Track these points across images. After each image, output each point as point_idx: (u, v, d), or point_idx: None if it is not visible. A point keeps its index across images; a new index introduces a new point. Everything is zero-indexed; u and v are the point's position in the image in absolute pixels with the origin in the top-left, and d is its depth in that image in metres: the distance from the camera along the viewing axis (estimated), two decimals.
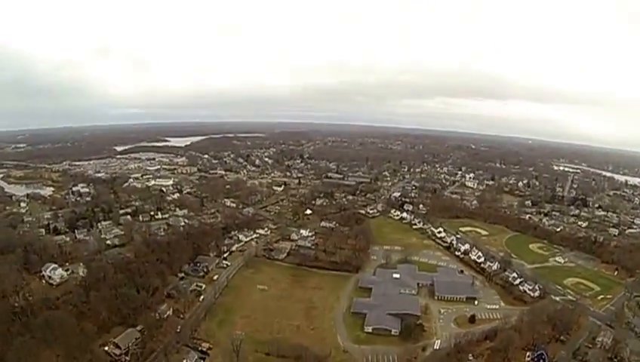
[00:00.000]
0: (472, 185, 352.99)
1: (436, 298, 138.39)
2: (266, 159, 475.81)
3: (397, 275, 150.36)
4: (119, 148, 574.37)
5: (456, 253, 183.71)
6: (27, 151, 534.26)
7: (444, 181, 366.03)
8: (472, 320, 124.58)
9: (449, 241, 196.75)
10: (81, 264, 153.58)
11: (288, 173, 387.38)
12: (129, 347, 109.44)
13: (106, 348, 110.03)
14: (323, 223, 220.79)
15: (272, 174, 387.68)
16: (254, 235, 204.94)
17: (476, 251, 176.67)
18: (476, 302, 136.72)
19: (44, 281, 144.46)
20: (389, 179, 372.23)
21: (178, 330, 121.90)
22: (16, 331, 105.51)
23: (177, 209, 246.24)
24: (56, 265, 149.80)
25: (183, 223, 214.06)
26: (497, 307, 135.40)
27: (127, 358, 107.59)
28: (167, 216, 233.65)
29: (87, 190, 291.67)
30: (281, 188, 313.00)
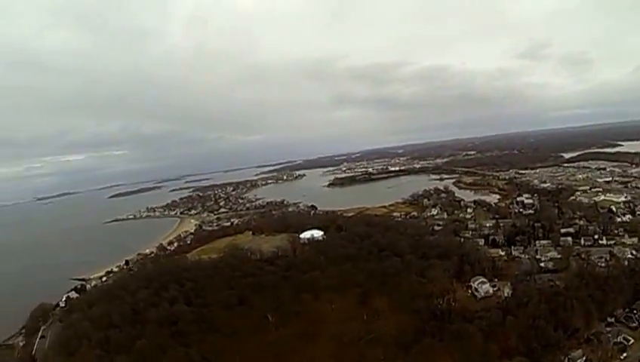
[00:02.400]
0: None
1: None
2: None
3: None
4: (566, 156, 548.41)
5: None
6: (476, 158, 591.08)
7: None
8: None
9: None
10: (509, 283, 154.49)
11: None
12: None
13: None
14: None
15: None
16: None
17: None
18: None
19: (469, 292, 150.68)
20: None
21: None
22: (429, 331, 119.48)
23: (626, 235, 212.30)
24: (484, 279, 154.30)
25: (629, 255, 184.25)
26: None
27: None
28: (612, 242, 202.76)
29: (530, 201, 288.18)
30: None
